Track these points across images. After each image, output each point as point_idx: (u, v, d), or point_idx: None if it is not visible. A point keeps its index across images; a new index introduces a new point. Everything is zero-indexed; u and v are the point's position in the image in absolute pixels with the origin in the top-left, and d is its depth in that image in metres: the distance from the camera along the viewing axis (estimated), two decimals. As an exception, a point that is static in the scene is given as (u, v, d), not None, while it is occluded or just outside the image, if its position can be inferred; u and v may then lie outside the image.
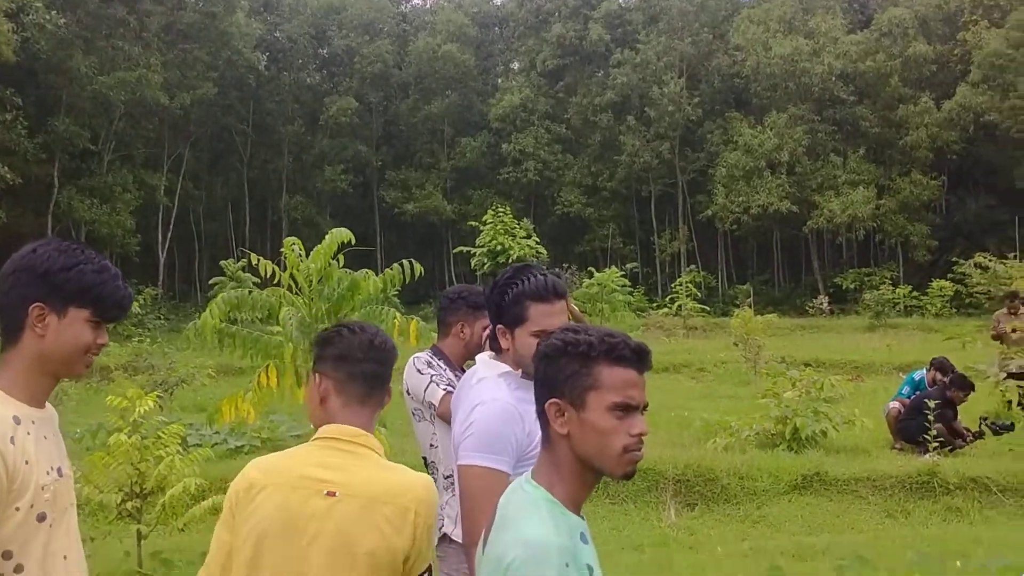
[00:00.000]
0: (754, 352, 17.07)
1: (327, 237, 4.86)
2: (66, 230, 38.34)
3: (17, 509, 1.98)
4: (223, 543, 2.17)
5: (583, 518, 1.89)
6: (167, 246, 43.30)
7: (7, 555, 1.98)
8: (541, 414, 1.89)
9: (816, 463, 8.89)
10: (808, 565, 6.88)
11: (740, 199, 42.22)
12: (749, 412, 11.37)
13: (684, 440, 10.42)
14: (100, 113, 37.63)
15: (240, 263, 22.01)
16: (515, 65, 55.85)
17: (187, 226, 46.35)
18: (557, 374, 1.84)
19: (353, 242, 4.97)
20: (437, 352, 3.72)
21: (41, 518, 2.03)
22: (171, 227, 43.63)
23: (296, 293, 4.92)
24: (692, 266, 42.14)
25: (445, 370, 3.64)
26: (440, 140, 51.83)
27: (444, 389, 3.50)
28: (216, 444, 9.94)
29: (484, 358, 2.89)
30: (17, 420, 2.03)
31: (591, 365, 1.81)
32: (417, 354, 3.74)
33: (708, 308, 33.71)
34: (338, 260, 4.93)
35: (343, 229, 4.88)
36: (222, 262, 21.97)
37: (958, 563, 6.41)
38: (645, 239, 49.39)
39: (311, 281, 4.74)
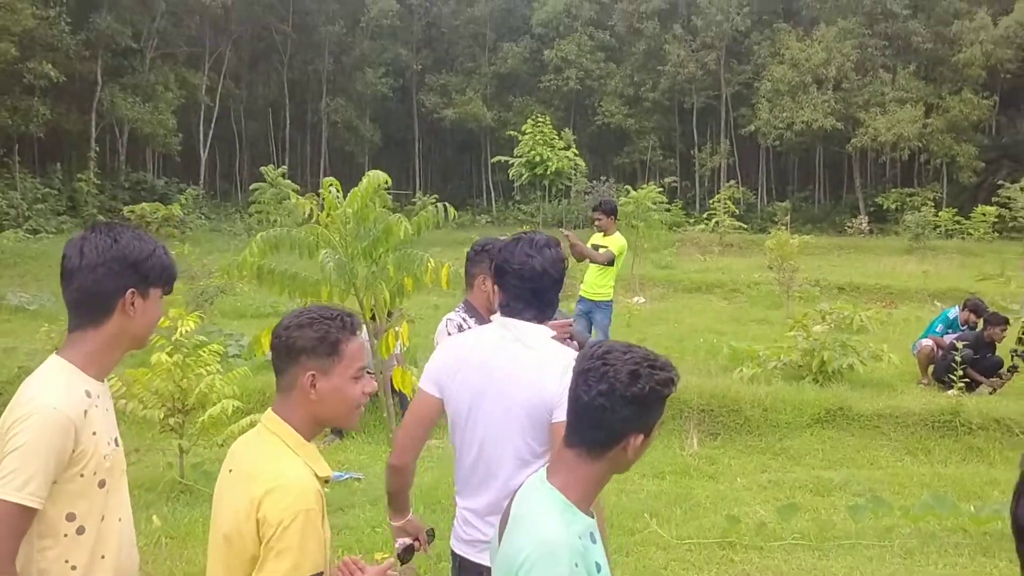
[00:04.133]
0: (788, 275, 17.04)
1: (364, 180, 4.94)
2: (109, 128, 38.64)
3: (82, 476, 2.20)
4: None
5: (592, 516, 2.04)
6: (208, 145, 43.56)
7: (71, 517, 2.20)
8: (613, 439, 2.00)
9: (840, 397, 9.00)
10: (824, 500, 7.08)
11: (784, 114, 41.38)
12: (778, 341, 11.46)
13: (711, 368, 10.57)
14: (141, 10, 37.48)
15: (280, 170, 22.19)
16: (560, -32, 54.37)
17: (228, 125, 46.48)
18: (643, 416, 2.00)
19: (390, 183, 5.07)
20: (469, 308, 3.83)
21: (101, 484, 2.26)
22: (212, 126, 43.80)
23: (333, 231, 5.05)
24: (732, 181, 41.66)
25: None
26: (481, 45, 51.03)
27: None
28: (254, 356, 10.22)
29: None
30: (88, 394, 2.25)
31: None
32: (450, 315, 3.86)
33: (746, 225, 33.45)
34: (374, 202, 5.03)
35: (380, 173, 4.95)
36: (262, 168, 22.13)
37: (972, 507, 6.55)
38: (685, 152, 48.76)
39: (347, 222, 4.86)
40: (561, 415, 2.73)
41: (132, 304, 2.30)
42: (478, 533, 2.91)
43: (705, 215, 34.81)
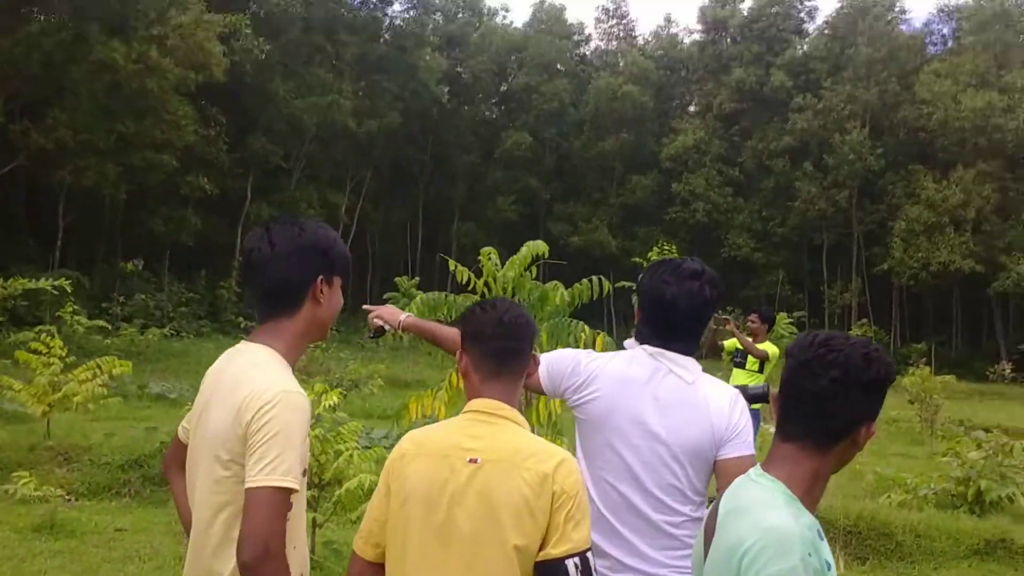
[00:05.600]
0: (931, 412, 16.19)
1: (523, 248, 5.02)
2: (253, 241, 40.70)
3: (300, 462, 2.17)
4: (377, 511, 2.30)
5: (816, 517, 1.89)
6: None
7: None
8: (845, 429, 1.87)
9: (1002, 529, 8.32)
10: (989, 633, 6.49)
11: (920, 255, 40.33)
12: (926, 471, 10.80)
13: (855, 492, 10.00)
14: (293, 134, 39.88)
15: (413, 281, 22.81)
16: (692, 107, 55.63)
17: (363, 245, 48.31)
18: (875, 403, 1.89)
19: (547, 255, 5.11)
20: None
21: (304, 472, 2.23)
22: (349, 245, 45.34)
23: (489, 300, 5.09)
24: (864, 320, 40.36)
25: None
26: (610, 177, 52.11)
27: None
28: (387, 447, 10.26)
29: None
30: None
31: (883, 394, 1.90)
32: None
33: (879, 365, 32.20)
34: (531, 271, 5.07)
35: (539, 241, 5.03)
36: (396, 279, 22.85)
37: None
38: (814, 289, 47.83)
39: (505, 289, 4.89)
40: (730, 451, 2.63)
41: (321, 291, 2.32)
42: None
43: (836, 352, 33.72)
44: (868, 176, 45.40)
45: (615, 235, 49.51)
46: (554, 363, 2.82)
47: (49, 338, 10.93)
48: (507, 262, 5.00)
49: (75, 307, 20.60)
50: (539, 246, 4.97)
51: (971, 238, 39.94)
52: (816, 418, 1.85)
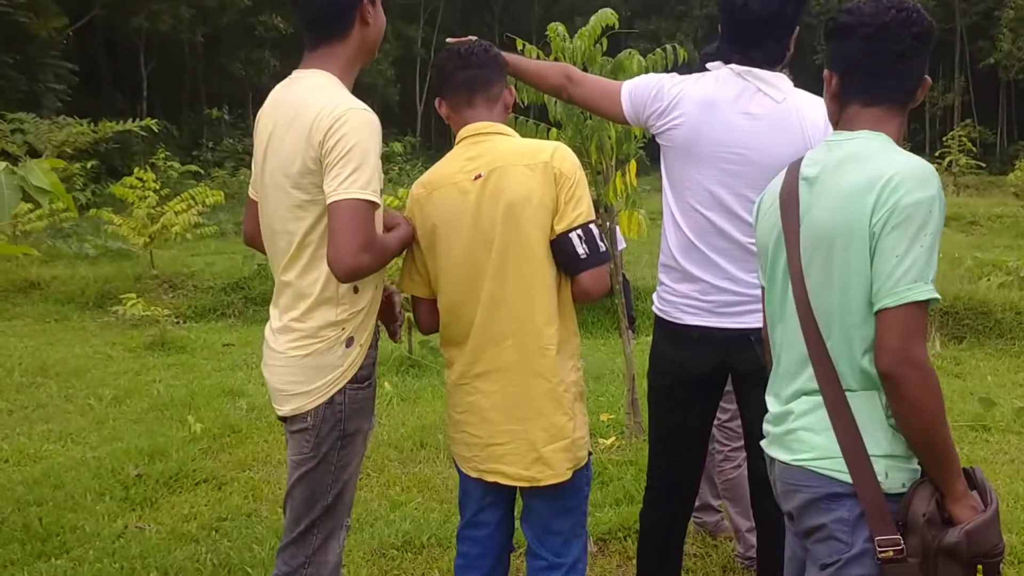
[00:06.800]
0: (1038, 203, 15.49)
1: (592, 19, 4.80)
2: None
3: None
4: (412, 258, 2.49)
5: None
6: (424, 97, 44.87)
7: None
8: (919, 84, 1.92)
9: (1109, 304, 8.08)
10: (1094, 400, 6.36)
11: (1031, 44, 37.70)
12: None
13: (953, 277, 9.77)
14: (363, -37, 38.87)
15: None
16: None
17: (441, 78, 47.74)
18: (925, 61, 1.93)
19: (617, 26, 4.88)
20: None
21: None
22: (427, 78, 45.05)
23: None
24: (968, 120, 38.36)
25: None
26: (693, -13, 49.66)
27: None
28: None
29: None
30: None
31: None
32: None
33: (983, 164, 30.81)
34: (601, 44, 4.86)
35: (607, 10, 4.79)
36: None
37: None
38: (914, 91, 45.45)
39: (574, 63, 4.71)
40: None
41: (368, 12, 2.29)
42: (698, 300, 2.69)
43: (937, 153, 32.34)
44: (973, -39, 42.16)
45: (700, 50, 47.48)
46: (636, 88, 2.72)
47: (142, 172, 11.19)
48: (576, 34, 4.79)
49: (167, 153, 21.05)
50: (608, 15, 4.73)
51: (1089, 23, 37.11)
52: (898, 77, 1.89)
